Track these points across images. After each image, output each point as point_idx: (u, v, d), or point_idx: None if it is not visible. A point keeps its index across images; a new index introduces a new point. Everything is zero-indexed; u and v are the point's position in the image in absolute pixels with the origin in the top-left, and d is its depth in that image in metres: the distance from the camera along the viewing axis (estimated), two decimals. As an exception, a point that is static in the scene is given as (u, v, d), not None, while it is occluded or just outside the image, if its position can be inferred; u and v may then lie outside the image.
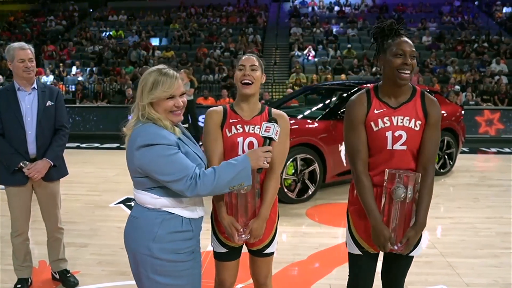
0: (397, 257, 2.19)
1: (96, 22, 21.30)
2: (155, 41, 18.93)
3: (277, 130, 1.98)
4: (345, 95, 6.40)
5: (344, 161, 5.78)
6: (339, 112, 5.85)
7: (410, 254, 2.18)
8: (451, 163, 7.09)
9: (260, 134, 2.02)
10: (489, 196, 5.89)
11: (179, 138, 1.88)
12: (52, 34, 20.34)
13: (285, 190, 5.37)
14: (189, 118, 10.32)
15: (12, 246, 3.21)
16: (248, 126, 2.23)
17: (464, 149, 8.76)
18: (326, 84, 9.58)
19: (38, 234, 3.89)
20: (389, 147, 2.10)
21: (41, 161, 3.07)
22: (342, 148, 5.73)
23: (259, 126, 2.21)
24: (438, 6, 20.89)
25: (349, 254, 2.28)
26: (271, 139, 1.98)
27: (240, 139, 2.22)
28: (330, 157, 5.65)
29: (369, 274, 2.26)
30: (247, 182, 1.86)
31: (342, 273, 3.51)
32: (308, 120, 5.92)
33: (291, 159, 5.38)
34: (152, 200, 1.88)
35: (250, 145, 2.19)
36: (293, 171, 5.47)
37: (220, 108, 2.31)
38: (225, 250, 2.31)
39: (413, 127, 2.10)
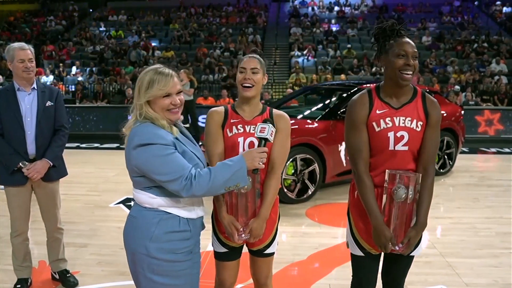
0: (398, 257, 2.19)
1: (96, 22, 21.30)
2: (155, 41, 18.93)
3: (272, 131, 1.99)
4: (344, 95, 6.40)
5: (344, 161, 5.78)
6: (339, 112, 5.85)
7: (410, 254, 2.19)
8: (450, 163, 7.09)
9: (255, 135, 2.03)
10: (489, 196, 5.90)
11: (176, 138, 1.88)
12: (52, 34, 20.34)
13: (285, 190, 5.37)
14: (189, 118, 10.32)
15: (12, 246, 3.21)
16: (249, 126, 2.23)
17: (464, 149, 8.76)
18: (326, 84, 9.58)
19: (38, 234, 3.89)
20: (391, 147, 2.10)
21: (40, 161, 3.07)
22: (342, 148, 5.74)
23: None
24: (438, 6, 20.90)
25: (352, 255, 2.29)
26: (266, 139, 1.99)
27: (240, 139, 2.22)
28: (330, 157, 5.65)
29: (372, 275, 2.26)
30: (243, 183, 1.87)
31: (342, 273, 3.51)
32: (308, 120, 5.92)
33: (290, 159, 5.38)
34: (149, 199, 1.88)
35: (251, 145, 2.20)
36: (293, 171, 5.47)
37: (221, 108, 2.32)
38: (225, 250, 2.32)
39: (414, 127, 2.11)
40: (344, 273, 3.38)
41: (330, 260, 3.86)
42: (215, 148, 2.24)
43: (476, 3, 22.12)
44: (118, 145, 9.48)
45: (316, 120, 5.86)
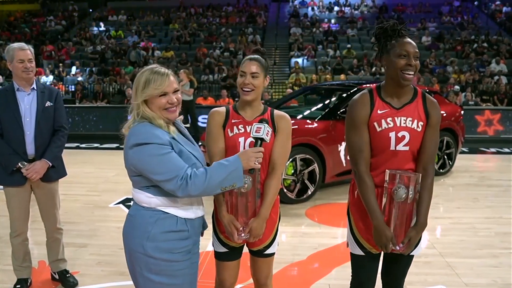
0: (398, 257, 2.20)
1: (95, 22, 21.30)
2: (154, 41, 18.93)
3: (267, 131, 2.00)
4: (344, 95, 6.40)
5: (344, 161, 5.78)
6: (338, 112, 5.85)
7: (410, 254, 2.19)
8: (450, 163, 7.09)
9: (251, 135, 2.03)
10: (489, 196, 5.90)
11: (173, 137, 1.89)
12: (51, 34, 20.34)
13: (285, 190, 5.37)
14: (189, 118, 10.32)
15: (11, 246, 3.21)
16: (249, 126, 2.23)
17: (464, 149, 8.77)
18: (325, 84, 9.58)
19: (38, 235, 3.89)
20: (392, 147, 2.11)
21: (39, 161, 3.07)
22: (342, 148, 5.74)
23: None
24: (437, 6, 20.91)
25: (352, 254, 2.29)
26: (261, 139, 1.99)
27: (241, 139, 2.23)
28: (330, 157, 5.65)
29: (372, 274, 2.26)
30: (239, 183, 1.87)
31: (341, 273, 3.51)
32: (308, 120, 5.92)
33: (290, 159, 5.38)
34: (147, 199, 1.89)
35: (251, 145, 2.19)
36: (292, 171, 5.47)
37: (222, 108, 2.33)
38: (226, 250, 2.32)
39: (415, 128, 2.11)
40: (344, 273, 3.38)
41: (330, 260, 3.86)
42: (216, 148, 2.25)
43: (475, 3, 22.13)
44: (118, 145, 9.48)
45: (316, 120, 5.86)
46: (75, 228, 4.57)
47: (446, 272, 3.63)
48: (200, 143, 5.52)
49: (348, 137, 2.19)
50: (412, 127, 2.11)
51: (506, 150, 9.63)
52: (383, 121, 2.11)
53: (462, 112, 7.45)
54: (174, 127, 1.95)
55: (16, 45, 3.09)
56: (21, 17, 22.81)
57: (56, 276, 3.41)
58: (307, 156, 5.51)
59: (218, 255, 2.35)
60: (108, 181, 6.62)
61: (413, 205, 2.09)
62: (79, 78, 15.53)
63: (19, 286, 3.22)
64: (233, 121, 2.27)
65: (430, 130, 2.13)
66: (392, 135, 2.10)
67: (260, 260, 2.35)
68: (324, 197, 5.81)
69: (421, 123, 2.12)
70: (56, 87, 13.12)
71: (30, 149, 3.07)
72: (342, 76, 14.81)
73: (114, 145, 9.62)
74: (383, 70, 2.22)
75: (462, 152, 8.07)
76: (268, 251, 2.33)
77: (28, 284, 3.29)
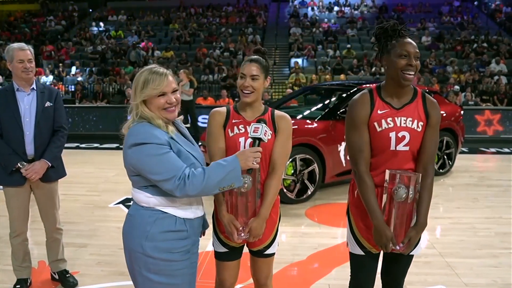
0: (398, 256, 2.20)
1: (95, 22, 21.30)
2: (154, 41, 18.94)
3: (265, 131, 2.00)
4: (344, 95, 6.40)
5: (344, 161, 5.78)
6: (338, 113, 5.85)
7: (410, 253, 2.20)
8: (450, 163, 7.09)
9: (249, 135, 2.04)
10: (488, 196, 5.90)
11: (172, 137, 1.89)
12: (51, 34, 20.34)
13: (285, 190, 5.37)
14: (189, 118, 10.32)
15: (11, 246, 3.21)
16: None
17: (464, 149, 8.77)
18: (325, 84, 9.59)
19: (37, 235, 3.89)
20: (392, 147, 2.11)
21: (38, 162, 3.07)
22: (342, 148, 5.74)
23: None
24: (437, 6, 20.91)
25: (351, 254, 2.29)
26: (259, 139, 1.99)
27: (241, 139, 2.23)
28: (330, 157, 5.65)
29: (371, 274, 2.27)
30: (237, 183, 1.87)
31: (341, 273, 3.52)
32: (308, 121, 5.92)
33: (290, 160, 5.38)
34: (146, 198, 1.90)
35: (251, 145, 2.20)
36: (292, 171, 5.47)
37: (223, 108, 2.34)
38: (226, 250, 2.32)
39: (415, 128, 2.12)
40: (344, 273, 3.38)
41: (330, 260, 3.86)
42: (216, 148, 2.25)
43: (475, 3, 22.13)
44: (117, 145, 9.47)
45: (316, 120, 5.86)
46: (75, 228, 4.57)
47: (446, 272, 3.63)
48: (200, 143, 5.52)
49: (348, 137, 2.19)
50: (412, 127, 2.11)
51: (506, 150, 9.63)
52: (383, 121, 2.12)
53: (462, 112, 7.45)
54: (173, 127, 1.95)
55: (16, 45, 3.09)
56: (21, 17, 22.81)
57: (56, 276, 3.41)
58: (307, 156, 5.51)
59: (218, 255, 2.35)
60: (108, 181, 6.62)
61: (413, 205, 2.09)
62: (79, 78, 15.53)
63: (18, 286, 3.22)
64: (233, 121, 2.27)
65: (430, 130, 2.14)
66: (392, 135, 2.11)
67: (260, 260, 2.35)
68: (324, 197, 5.81)
69: (421, 123, 2.12)
70: (56, 87, 13.13)
71: (30, 149, 3.07)
72: (342, 76, 14.81)
73: (114, 145, 9.62)
74: (383, 70, 2.22)
75: (462, 152, 8.07)
76: (268, 251, 2.33)
77: (28, 284, 3.29)
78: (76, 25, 21.72)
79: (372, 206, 2.08)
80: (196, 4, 22.27)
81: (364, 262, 2.24)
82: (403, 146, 2.11)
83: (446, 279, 3.51)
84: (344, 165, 5.78)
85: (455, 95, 12.22)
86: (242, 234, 2.17)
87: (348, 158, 2.28)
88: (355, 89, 6.20)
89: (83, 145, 9.90)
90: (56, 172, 3.20)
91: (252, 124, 2.05)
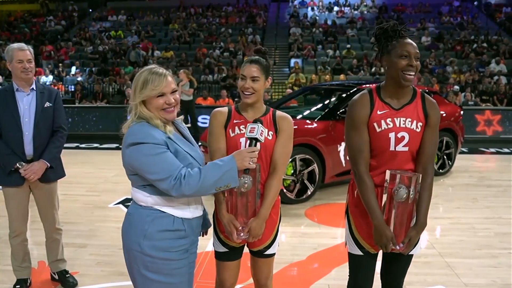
0: (397, 256, 2.21)
1: (95, 22, 21.30)
2: (154, 41, 18.93)
3: (261, 131, 2.01)
4: (344, 95, 6.40)
5: (343, 162, 5.78)
6: (338, 113, 5.85)
7: (409, 253, 2.20)
8: (450, 163, 7.10)
9: (245, 135, 2.04)
10: (488, 197, 5.90)
11: (169, 137, 1.90)
12: (51, 34, 20.34)
13: (284, 190, 5.37)
14: (189, 118, 10.33)
15: (11, 247, 3.21)
16: None
17: (463, 149, 8.77)
18: (325, 84, 9.59)
19: (37, 235, 3.89)
20: (391, 148, 2.12)
21: (37, 162, 3.07)
22: (341, 148, 5.74)
23: (266, 128, 2.22)
24: (437, 6, 20.91)
25: (349, 254, 2.29)
26: (256, 139, 2.00)
27: (242, 140, 2.23)
28: (329, 157, 5.66)
29: (370, 274, 2.27)
30: (234, 183, 1.88)
31: (341, 273, 3.52)
32: (307, 121, 5.92)
33: (290, 160, 5.38)
34: (144, 198, 1.91)
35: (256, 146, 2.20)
36: (292, 171, 5.47)
37: (225, 108, 2.34)
38: (226, 250, 2.32)
39: (414, 128, 2.12)
40: (343, 273, 3.38)
41: (329, 261, 3.86)
42: (217, 147, 2.26)
43: (475, 3, 22.13)
44: (117, 145, 9.47)
45: (316, 120, 5.86)
46: (74, 228, 4.57)
47: (446, 272, 3.63)
48: (199, 143, 5.52)
49: (348, 137, 2.19)
50: (412, 127, 2.12)
51: (506, 150, 9.64)
52: (382, 121, 2.12)
53: (462, 112, 7.45)
54: (171, 127, 1.96)
55: (15, 45, 3.09)
56: (21, 17, 22.80)
57: (56, 276, 3.41)
58: (307, 156, 5.51)
59: (218, 255, 2.35)
60: (108, 181, 6.62)
61: (413, 205, 2.10)
62: (79, 78, 15.53)
63: (18, 286, 3.23)
64: (235, 121, 2.27)
65: (429, 131, 2.14)
66: (391, 135, 2.11)
67: (261, 260, 2.35)
68: (324, 197, 5.81)
69: (420, 123, 2.13)
70: (56, 87, 13.13)
71: (29, 149, 3.07)
72: (342, 76, 14.82)
73: (114, 145, 9.62)
74: (382, 70, 2.22)
75: (462, 152, 8.08)
76: (268, 252, 2.33)
77: (28, 284, 3.29)
78: (76, 25, 21.72)
79: (372, 206, 2.08)
80: (196, 4, 22.27)
81: (363, 262, 2.24)
82: (403, 146, 2.12)
83: (445, 279, 3.51)
84: (344, 165, 5.78)
85: (454, 95, 12.23)
86: (242, 234, 2.17)
87: (347, 158, 2.28)
88: (355, 89, 6.20)
89: (83, 145, 9.90)
90: (55, 172, 3.20)
91: (248, 124, 2.05)
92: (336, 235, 4.50)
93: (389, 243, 2.07)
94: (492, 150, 9.74)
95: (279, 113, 2.32)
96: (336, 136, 5.68)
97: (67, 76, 16.11)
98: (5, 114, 3.02)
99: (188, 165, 1.88)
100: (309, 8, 21.69)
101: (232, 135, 2.26)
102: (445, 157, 7.01)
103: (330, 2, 21.95)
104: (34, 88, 3.12)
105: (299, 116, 6.31)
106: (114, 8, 22.82)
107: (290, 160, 5.38)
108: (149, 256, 1.87)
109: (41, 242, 3.43)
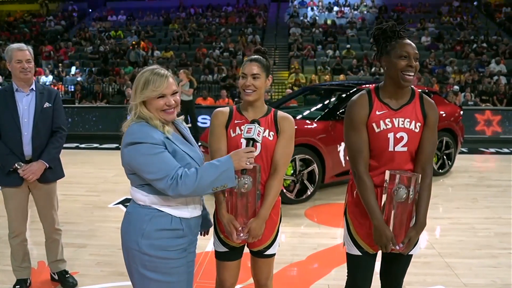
0: (397, 256, 2.21)
1: (95, 22, 21.30)
2: (154, 42, 18.93)
3: (258, 131, 2.01)
4: (344, 95, 6.40)
5: (343, 162, 5.78)
6: (338, 113, 5.85)
7: (409, 253, 2.20)
8: (450, 163, 7.10)
9: (242, 136, 2.04)
10: (488, 197, 5.90)
11: (167, 137, 1.90)
12: (51, 34, 20.33)
13: (284, 190, 5.37)
14: (189, 118, 10.33)
15: (10, 247, 3.21)
16: None
17: (463, 149, 8.77)
18: (325, 84, 9.59)
19: (37, 235, 3.89)
20: (390, 148, 2.12)
21: (36, 162, 3.06)
22: (341, 148, 5.74)
23: (263, 128, 2.22)
24: (437, 6, 20.90)
25: (348, 254, 2.29)
26: (253, 140, 2.00)
27: (243, 140, 2.22)
28: (329, 157, 5.66)
29: (368, 274, 2.27)
30: (231, 183, 1.89)
31: (340, 273, 3.51)
32: (307, 121, 5.92)
33: (290, 160, 5.37)
34: (142, 197, 1.92)
35: (254, 146, 2.20)
36: (292, 171, 5.47)
37: (226, 109, 2.35)
38: (226, 250, 2.32)
39: (413, 128, 2.13)
40: (343, 273, 3.36)
41: (329, 261, 3.86)
42: (218, 147, 2.26)
43: (475, 3, 22.13)
44: (117, 145, 9.46)
45: (315, 120, 5.86)
46: (74, 228, 4.57)
47: (445, 273, 3.63)
48: (199, 143, 5.52)
49: (347, 137, 2.20)
50: (410, 128, 2.12)
51: (506, 150, 9.64)
52: (381, 122, 2.12)
53: (462, 112, 7.45)
54: (170, 127, 1.96)
55: (14, 45, 3.09)
56: (20, 17, 22.80)
57: (56, 277, 3.41)
58: (307, 156, 5.51)
59: (218, 255, 2.35)
60: (108, 182, 6.62)
61: (412, 205, 2.10)
62: (79, 78, 15.52)
63: (18, 286, 3.23)
64: (236, 121, 2.28)
65: (428, 131, 2.15)
66: (390, 136, 2.12)
67: (261, 260, 2.35)
68: (324, 197, 5.81)
69: (418, 123, 2.14)
70: (56, 87, 13.13)
71: (27, 150, 3.07)
72: (342, 76, 14.81)
73: (114, 145, 9.62)
74: (382, 70, 2.23)
75: (462, 152, 8.08)
76: (268, 252, 2.33)
77: (28, 284, 3.29)
78: (76, 25, 21.72)
79: (372, 206, 2.09)
80: (196, 4, 22.27)
81: (361, 262, 2.24)
82: (402, 146, 2.12)
83: (445, 279, 3.51)
84: (343, 165, 5.78)
85: (454, 95, 12.23)
86: (241, 235, 2.17)
87: (347, 158, 2.28)
88: (355, 89, 6.20)
89: (82, 145, 9.90)
90: (54, 173, 3.20)
91: (245, 124, 2.06)
92: (336, 235, 4.50)
93: (389, 243, 2.07)
94: (492, 150, 9.74)
95: (280, 113, 2.32)
96: (336, 136, 5.68)
97: (67, 76, 16.11)
98: (5, 114, 3.02)
99: (186, 165, 1.89)
100: (309, 8, 21.68)
101: (233, 135, 2.26)
102: (445, 157, 7.01)
103: (330, 2, 21.94)
104: (34, 89, 3.12)
105: (299, 116, 6.31)
106: (114, 8, 22.81)
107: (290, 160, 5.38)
108: (147, 254, 1.88)
109: (41, 242, 3.43)
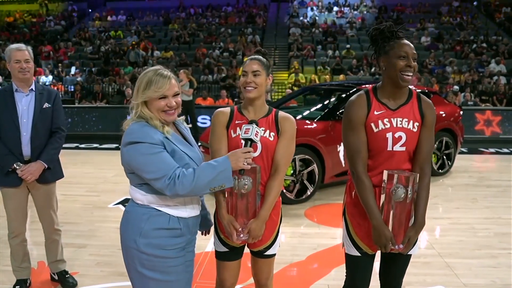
0: (396, 256, 2.21)
1: (95, 22, 21.30)
2: (154, 42, 18.93)
3: (256, 131, 2.01)
4: (343, 95, 6.41)
5: (343, 162, 5.78)
6: (337, 113, 5.86)
7: (408, 253, 2.20)
8: (449, 163, 7.10)
9: (240, 136, 2.05)
10: (488, 197, 5.90)
11: (166, 137, 1.91)
12: (51, 34, 20.33)
13: (284, 190, 5.37)
14: (189, 118, 10.33)
15: (10, 247, 3.21)
16: None
17: (463, 149, 8.77)
18: (325, 84, 9.59)
19: (37, 235, 3.89)
20: (389, 148, 2.13)
21: (34, 163, 3.06)
22: (341, 148, 5.74)
23: (263, 128, 2.22)
24: (437, 6, 20.90)
25: (347, 255, 2.29)
26: (251, 140, 2.00)
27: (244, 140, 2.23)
28: (329, 157, 5.66)
29: (367, 275, 2.27)
30: (228, 184, 1.89)
31: (340, 273, 3.51)
32: (307, 121, 5.92)
33: (289, 160, 5.37)
34: (141, 196, 1.94)
35: (254, 147, 2.20)
36: (291, 171, 5.47)
37: (227, 109, 2.35)
38: (226, 250, 2.32)
39: (411, 128, 2.14)
40: (343, 273, 3.36)
41: (329, 261, 3.86)
42: (218, 148, 2.26)
43: (475, 3, 22.14)
44: (117, 145, 9.46)
45: (315, 120, 5.86)
46: (74, 228, 4.57)
47: (445, 273, 3.63)
48: (199, 143, 5.52)
49: (346, 138, 2.20)
50: (408, 127, 2.13)
51: (505, 150, 9.64)
52: (379, 122, 2.13)
53: (461, 112, 7.45)
54: (169, 128, 1.97)
55: (13, 46, 3.10)
56: (20, 17, 22.79)
57: (56, 277, 3.41)
58: (306, 156, 5.51)
59: (218, 255, 2.35)
60: (108, 182, 6.62)
61: (411, 205, 2.10)
62: (78, 78, 15.52)
63: (18, 286, 3.23)
64: (236, 122, 2.28)
65: (426, 131, 2.16)
66: (389, 135, 2.12)
67: (261, 260, 2.36)
68: (323, 197, 5.81)
69: (416, 123, 2.15)
70: (56, 87, 13.13)
71: (26, 150, 3.07)
72: (342, 77, 14.82)
73: (114, 146, 9.62)
74: (381, 70, 2.22)
75: (461, 153, 8.08)
76: (268, 252, 2.33)
77: (28, 284, 3.29)
78: (76, 25, 21.71)
79: (371, 206, 2.09)
80: (196, 4, 22.27)
81: (360, 263, 2.25)
82: (400, 146, 2.13)
83: (445, 279, 3.51)
84: (343, 165, 5.78)
85: (454, 95, 12.23)
86: (241, 235, 2.17)
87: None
88: (355, 89, 6.20)
89: (82, 145, 9.90)
90: (53, 173, 3.20)
91: (243, 125, 2.06)
92: (335, 235, 4.51)
93: (388, 243, 2.07)
94: (492, 150, 9.74)
95: (281, 113, 2.32)
96: (336, 136, 5.68)
97: (67, 76, 16.10)
98: (4, 114, 3.02)
99: (184, 166, 1.90)
100: (309, 8, 21.68)
101: (233, 135, 2.26)
102: (444, 157, 7.01)
103: (329, 2, 21.95)
104: (33, 89, 3.12)
105: (299, 117, 6.31)
106: (114, 8, 22.81)
107: (290, 160, 5.38)
108: (145, 253, 1.89)
109: (41, 242, 3.43)
